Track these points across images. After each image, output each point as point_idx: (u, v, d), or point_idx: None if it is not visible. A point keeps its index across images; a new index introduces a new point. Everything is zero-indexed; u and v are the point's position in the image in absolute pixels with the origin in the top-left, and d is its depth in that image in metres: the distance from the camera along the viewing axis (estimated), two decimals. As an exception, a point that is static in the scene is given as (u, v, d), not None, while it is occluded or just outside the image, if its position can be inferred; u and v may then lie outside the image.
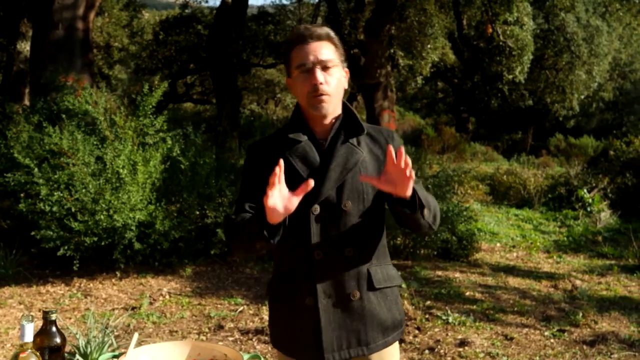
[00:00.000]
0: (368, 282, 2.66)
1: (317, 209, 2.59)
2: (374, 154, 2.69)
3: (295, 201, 2.35)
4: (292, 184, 2.47)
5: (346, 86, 2.73)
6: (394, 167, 2.37)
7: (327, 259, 2.61)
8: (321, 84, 2.57)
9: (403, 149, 2.38)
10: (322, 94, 2.59)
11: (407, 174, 2.34)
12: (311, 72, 2.58)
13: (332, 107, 2.65)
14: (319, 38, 2.62)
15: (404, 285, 7.98)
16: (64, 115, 8.53)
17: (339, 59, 2.66)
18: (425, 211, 2.53)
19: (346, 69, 2.72)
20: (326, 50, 2.61)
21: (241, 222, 2.53)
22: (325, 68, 2.60)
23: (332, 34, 2.66)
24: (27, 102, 16.75)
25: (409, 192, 2.41)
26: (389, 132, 2.79)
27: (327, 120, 2.68)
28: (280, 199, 2.34)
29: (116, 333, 5.88)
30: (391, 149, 2.38)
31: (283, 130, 2.74)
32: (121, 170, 7.99)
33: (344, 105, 2.74)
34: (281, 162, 2.33)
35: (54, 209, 7.71)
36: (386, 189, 2.43)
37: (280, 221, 2.38)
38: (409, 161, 2.33)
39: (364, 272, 2.65)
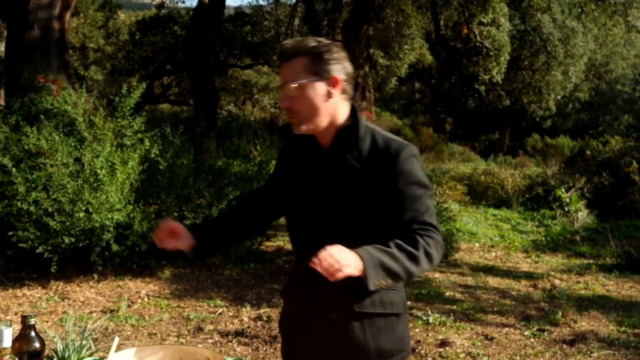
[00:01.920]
0: (348, 304, 2.53)
1: (307, 221, 2.57)
2: (373, 171, 2.52)
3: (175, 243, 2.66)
4: (289, 190, 2.63)
5: (335, 97, 2.55)
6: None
7: (310, 271, 2.37)
8: (285, 107, 2.53)
9: (328, 252, 2.20)
10: (290, 115, 2.54)
11: (334, 268, 2.19)
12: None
13: (311, 124, 2.54)
14: (289, 57, 2.53)
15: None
16: (42, 116, 8.46)
17: (312, 73, 2.51)
18: (382, 282, 2.32)
19: (336, 77, 2.54)
20: (295, 69, 2.51)
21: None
22: (288, 90, 2.52)
23: (302, 48, 2.53)
24: (2, 102, 16.59)
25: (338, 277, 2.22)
26: (398, 149, 2.54)
27: (325, 134, 2.59)
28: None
29: (94, 336, 5.82)
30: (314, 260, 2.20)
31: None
32: (99, 171, 7.93)
33: (353, 114, 2.62)
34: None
35: (31, 208, 7.63)
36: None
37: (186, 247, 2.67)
38: (326, 262, 2.18)
39: (346, 292, 2.50)
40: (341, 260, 2.20)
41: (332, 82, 2.54)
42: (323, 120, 2.56)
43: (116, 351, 2.51)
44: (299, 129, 2.54)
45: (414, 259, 2.37)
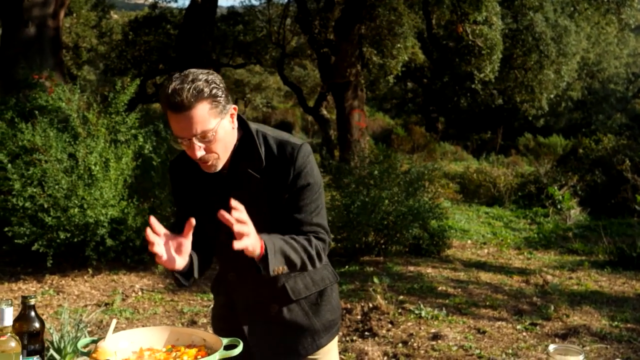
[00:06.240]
0: (285, 295, 2.68)
1: (223, 235, 2.52)
2: (272, 177, 2.57)
3: (186, 245, 2.43)
4: (202, 207, 2.63)
5: (235, 125, 2.55)
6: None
7: (241, 279, 2.70)
8: (203, 156, 2.43)
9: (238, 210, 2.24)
10: (208, 162, 2.46)
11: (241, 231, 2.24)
12: (190, 146, 2.41)
13: (224, 158, 2.52)
14: (189, 107, 2.34)
15: (376, 280, 8.00)
16: (37, 112, 8.49)
17: (216, 115, 2.42)
18: (280, 268, 2.42)
19: (233, 107, 2.52)
20: (200, 118, 2.37)
21: None
22: (204, 137, 2.40)
23: (199, 96, 2.36)
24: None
25: (250, 251, 2.32)
26: (293, 150, 2.58)
27: None
28: (168, 251, 2.42)
29: (89, 329, 5.85)
30: (225, 216, 2.21)
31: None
32: (93, 167, 7.96)
33: (245, 133, 2.61)
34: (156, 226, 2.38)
35: (27, 204, 7.66)
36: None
37: (182, 267, 2.49)
38: (241, 219, 2.24)
39: (280, 287, 2.66)
40: (252, 235, 2.29)
41: (232, 114, 2.52)
42: (230, 150, 2.56)
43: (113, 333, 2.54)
44: (217, 168, 2.51)
45: (309, 257, 2.53)
